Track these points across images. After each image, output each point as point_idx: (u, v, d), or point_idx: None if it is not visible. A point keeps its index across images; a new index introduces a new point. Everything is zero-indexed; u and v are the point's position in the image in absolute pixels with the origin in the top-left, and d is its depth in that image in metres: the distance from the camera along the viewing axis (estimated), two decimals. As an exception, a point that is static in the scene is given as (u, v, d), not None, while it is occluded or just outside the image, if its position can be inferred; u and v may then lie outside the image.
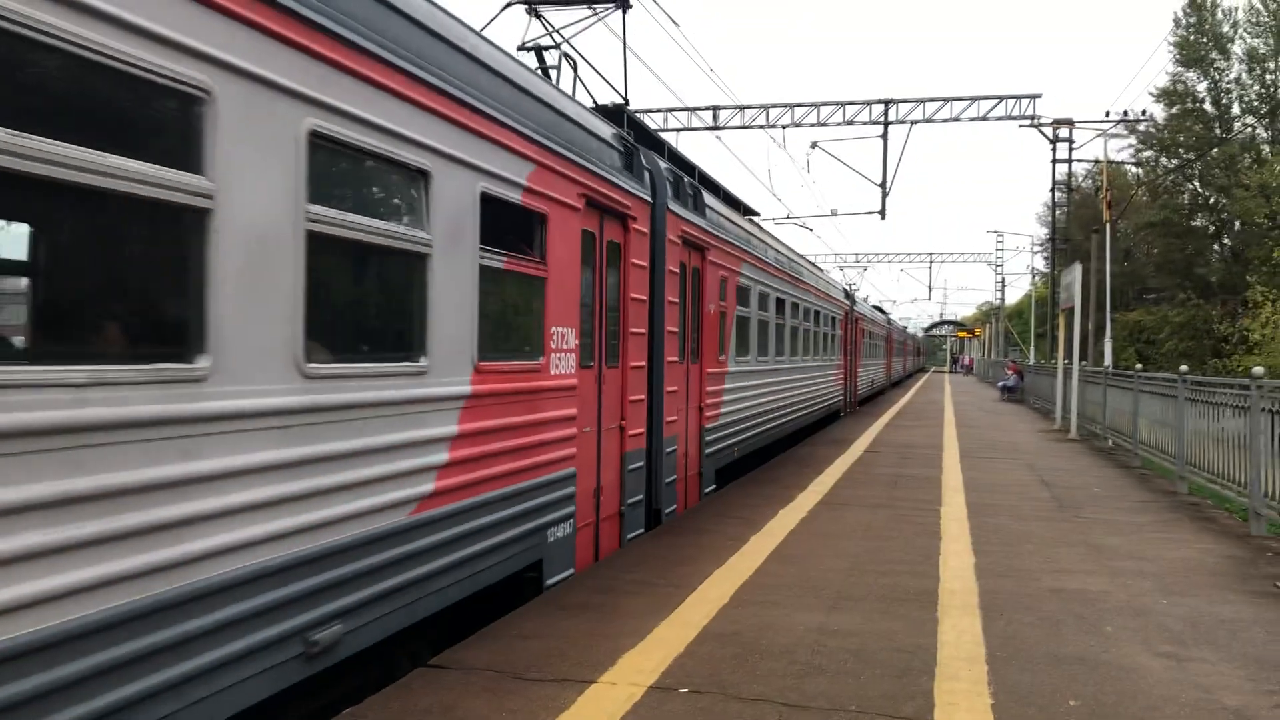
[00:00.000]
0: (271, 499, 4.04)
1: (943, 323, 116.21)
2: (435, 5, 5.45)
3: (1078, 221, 55.96)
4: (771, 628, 6.14)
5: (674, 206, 9.56)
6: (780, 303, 15.71)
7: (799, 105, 30.25)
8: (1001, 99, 29.63)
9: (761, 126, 30.07)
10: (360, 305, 5.13)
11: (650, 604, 6.62)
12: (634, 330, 8.62)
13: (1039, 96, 29.69)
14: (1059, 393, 23.21)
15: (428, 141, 5.12)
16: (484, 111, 5.73)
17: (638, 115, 11.55)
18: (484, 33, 6.18)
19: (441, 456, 5.34)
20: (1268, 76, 52.29)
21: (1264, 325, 37.90)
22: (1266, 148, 52.36)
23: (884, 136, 29.40)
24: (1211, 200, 55.50)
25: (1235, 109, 53.49)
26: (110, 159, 3.24)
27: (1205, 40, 52.51)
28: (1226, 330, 47.72)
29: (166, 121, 3.63)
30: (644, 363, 8.99)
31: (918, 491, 11.97)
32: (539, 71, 8.45)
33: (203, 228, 3.67)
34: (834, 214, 35.94)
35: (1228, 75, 53.03)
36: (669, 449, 9.68)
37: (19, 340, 3.63)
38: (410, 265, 5.10)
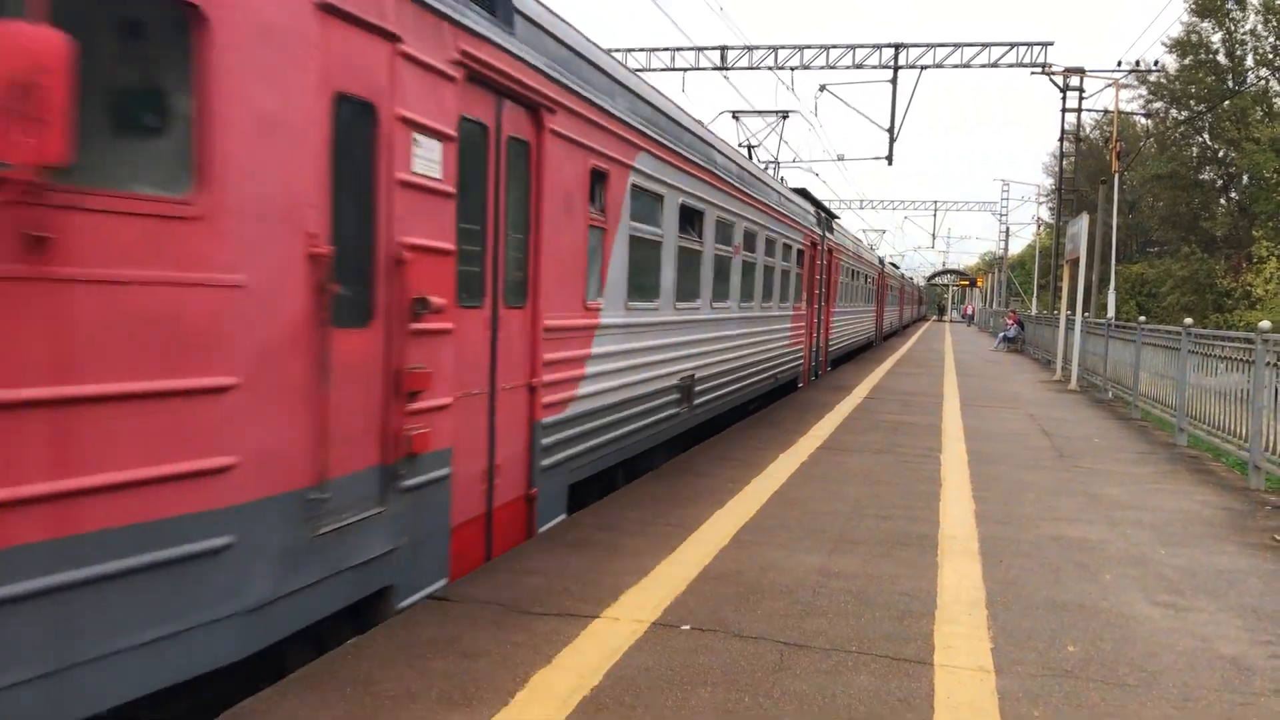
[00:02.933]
0: (619, 353, 8.30)
1: (945, 271, 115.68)
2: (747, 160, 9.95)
3: (1084, 173, 55.66)
4: (773, 568, 6.19)
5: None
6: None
7: (808, 47, 29.91)
8: (1013, 46, 29.30)
9: (770, 68, 29.75)
10: (652, 275, 9.08)
11: (652, 543, 6.66)
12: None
13: (1051, 44, 29.41)
14: (1060, 344, 23.20)
15: (715, 200, 10.80)
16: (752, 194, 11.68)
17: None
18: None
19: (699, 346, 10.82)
20: (1283, 28, 51.58)
21: (1268, 281, 37.83)
22: (1279, 101, 51.82)
23: (893, 81, 29.10)
24: (1220, 154, 55.09)
25: (1249, 61, 52.83)
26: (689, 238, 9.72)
27: (1222, -10, 51.77)
28: (1229, 285, 47.63)
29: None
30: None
31: (918, 438, 12.01)
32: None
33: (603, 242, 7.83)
34: (841, 159, 35.70)
35: (1243, 26, 52.34)
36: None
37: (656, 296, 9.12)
38: (692, 259, 10.07)
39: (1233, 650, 5.14)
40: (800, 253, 17.27)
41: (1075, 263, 21.56)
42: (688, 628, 5.11)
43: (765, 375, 14.81)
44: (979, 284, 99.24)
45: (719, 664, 4.67)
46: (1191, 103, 54.80)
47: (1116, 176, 33.27)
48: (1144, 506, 8.60)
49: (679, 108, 10.13)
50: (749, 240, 13.07)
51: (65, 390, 3.41)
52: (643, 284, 8.75)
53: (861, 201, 60.05)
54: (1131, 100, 59.24)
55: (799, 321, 17.53)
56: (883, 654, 4.84)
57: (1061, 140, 41.77)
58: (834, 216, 24.50)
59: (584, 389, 7.45)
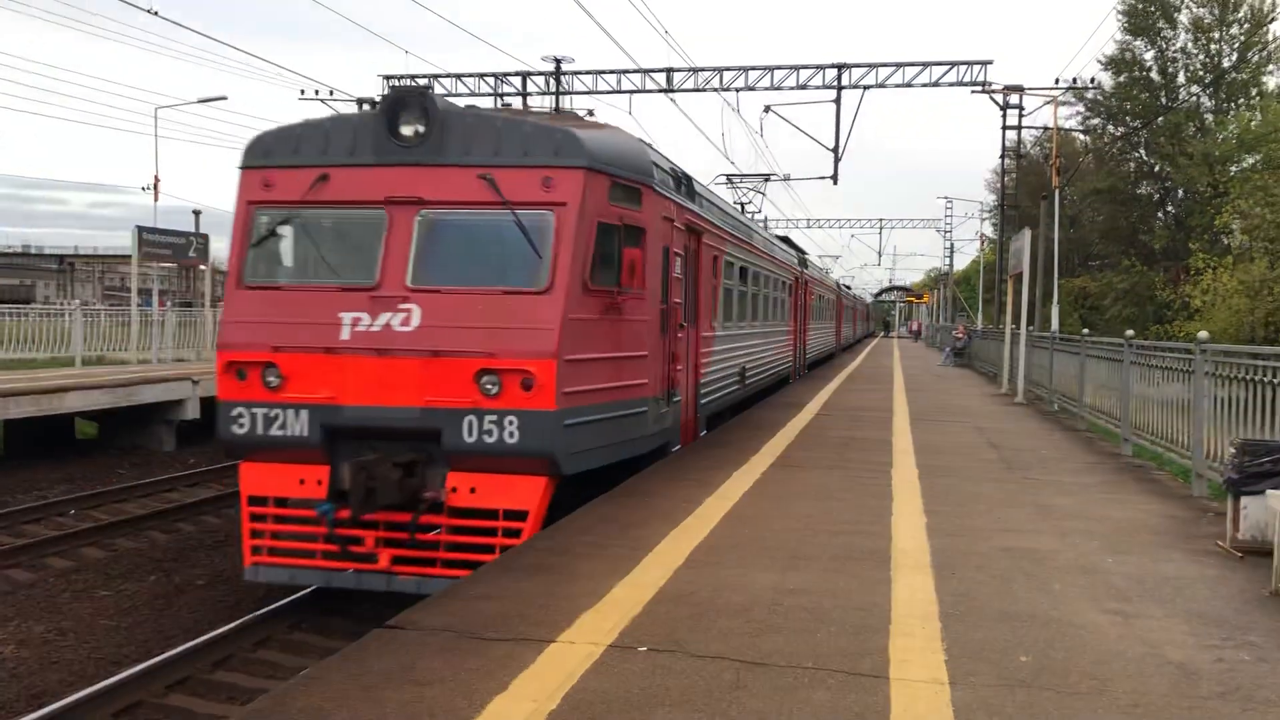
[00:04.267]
0: (719, 350, 14.56)
1: (892, 288, 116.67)
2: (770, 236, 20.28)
3: (1026, 188, 56.56)
4: (727, 587, 6.20)
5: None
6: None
7: (753, 69, 30.21)
8: (953, 65, 29.80)
9: (715, 89, 29.99)
10: (730, 307, 15.31)
11: (606, 566, 6.64)
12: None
13: (990, 63, 29.92)
14: (1006, 357, 23.56)
15: (785, 274, 20.74)
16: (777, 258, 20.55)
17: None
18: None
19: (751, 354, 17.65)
20: (1212, 46, 52.97)
21: (1205, 292, 38.66)
22: (1210, 117, 53.10)
23: (837, 101, 29.46)
24: (1156, 168, 56.22)
25: (1180, 78, 54.16)
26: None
27: (1153, 9, 53.03)
28: (1169, 296, 48.60)
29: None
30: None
31: (869, 453, 12.11)
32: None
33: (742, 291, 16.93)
34: (787, 179, 36.02)
35: (1174, 44, 53.64)
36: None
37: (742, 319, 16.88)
38: (744, 296, 16.63)
39: (1180, 655, 5.22)
40: (790, 286, 24.46)
41: (1019, 277, 21.91)
42: (644, 649, 5.10)
43: (777, 368, 22.26)
44: (925, 300, 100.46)
45: (676, 685, 4.66)
46: (1127, 119, 55.94)
47: (1057, 192, 33.90)
48: (1091, 516, 8.73)
49: (738, 209, 19.51)
50: (767, 281, 20.08)
51: (622, 353, 9.69)
52: (726, 312, 15.40)
53: (809, 220, 60.89)
54: (1070, 117, 60.27)
55: (791, 335, 25.16)
56: (839, 669, 4.86)
57: (1003, 157, 42.55)
58: (805, 253, 32.12)
59: (708, 367, 14.00)
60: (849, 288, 73.11)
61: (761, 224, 26.35)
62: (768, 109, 30.25)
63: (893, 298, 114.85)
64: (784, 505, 8.79)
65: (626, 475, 10.02)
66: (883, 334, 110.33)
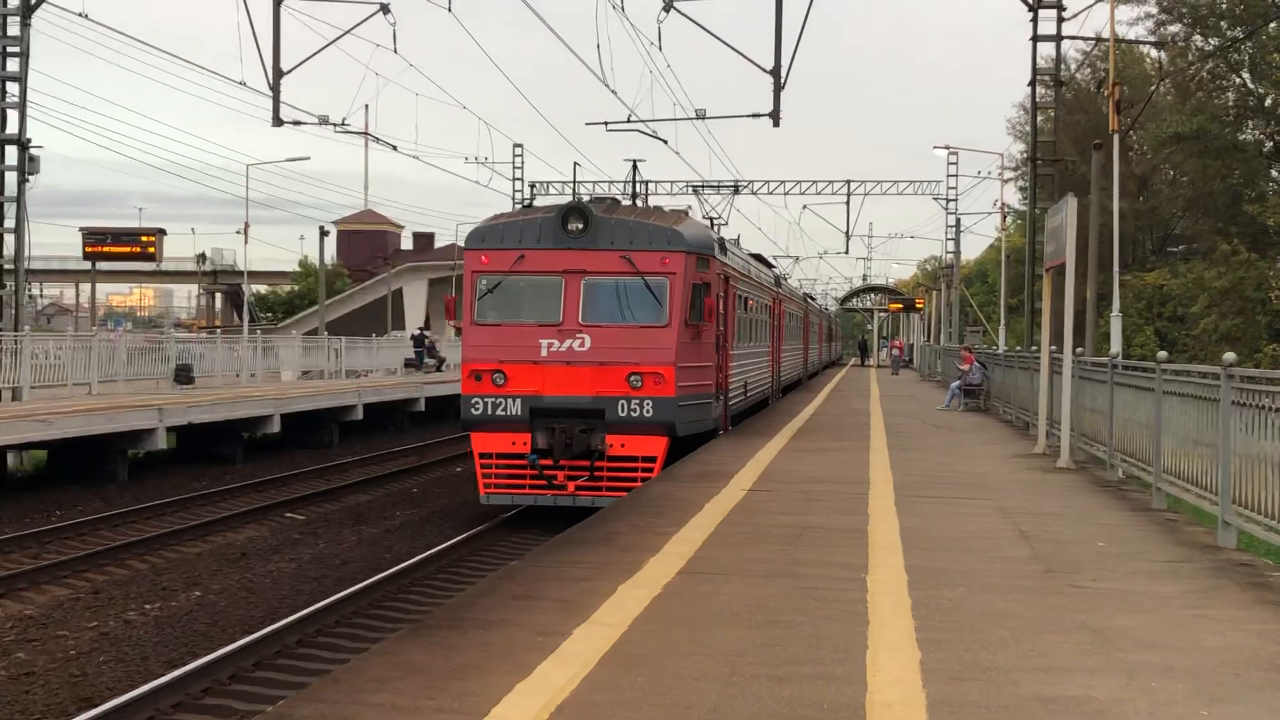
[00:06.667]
0: (736, 366, 30.47)
1: (867, 289, 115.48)
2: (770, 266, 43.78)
3: (1070, 134, 56.83)
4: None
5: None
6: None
7: (644, -58, 30.34)
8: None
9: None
10: (749, 327, 33.23)
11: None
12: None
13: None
14: (1042, 396, 23.81)
15: (766, 297, 38.27)
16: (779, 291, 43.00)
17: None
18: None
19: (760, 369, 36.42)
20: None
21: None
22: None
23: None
24: (1268, 101, 56.42)
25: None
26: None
27: None
28: (1291, 300, 49.12)
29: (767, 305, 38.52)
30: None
31: (832, 551, 12.13)
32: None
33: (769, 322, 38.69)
34: (700, 117, 36.41)
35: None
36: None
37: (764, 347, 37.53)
38: (761, 322, 36.62)
39: None
40: (769, 308, 39.20)
41: (1060, 271, 21.98)
42: None
43: (762, 386, 37.42)
44: (919, 306, 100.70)
45: None
46: (1224, 25, 56.05)
47: (1117, 139, 34.29)
48: (1175, 644, 8.81)
49: (749, 254, 37.60)
50: (757, 307, 35.04)
51: (702, 363, 25.80)
52: (740, 333, 30.69)
53: (736, 184, 60.44)
54: (1137, 21, 60.36)
55: (770, 357, 39.59)
56: None
57: (1033, 84, 42.82)
58: (778, 270, 50.87)
59: (732, 376, 28.71)
60: (810, 297, 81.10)
61: (741, 249, 37.32)
62: (669, 6, 30.50)
63: (869, 304, 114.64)
64: (700, 636, 8.73)
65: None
66: (856, 360, 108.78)
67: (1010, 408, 32.47)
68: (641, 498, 16.32)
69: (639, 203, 31.92)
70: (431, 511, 27.51)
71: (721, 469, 19.44)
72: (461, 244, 34.27)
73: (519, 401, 22.96)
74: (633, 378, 22.63)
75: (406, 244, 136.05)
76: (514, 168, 76.60)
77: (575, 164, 57.83)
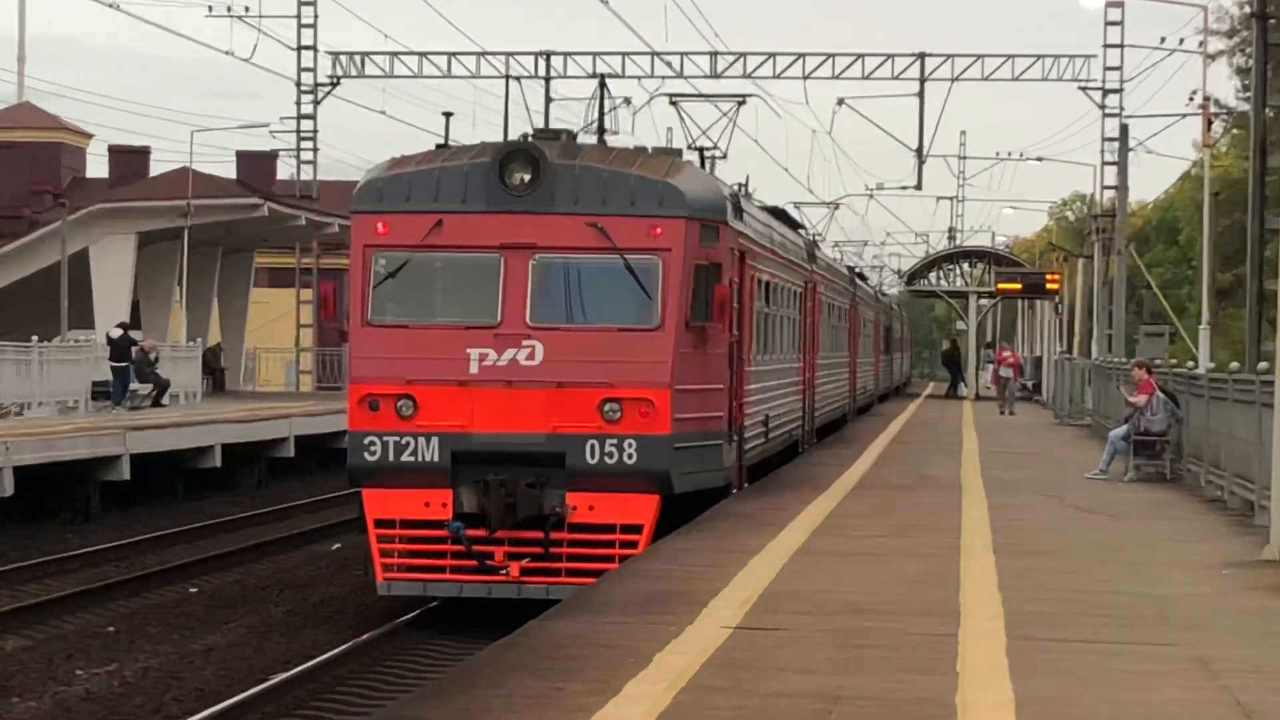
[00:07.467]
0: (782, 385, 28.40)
1: (957, 254, 76.92)
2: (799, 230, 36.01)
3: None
4: None
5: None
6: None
7: None
8: None
9: None
10: (772, 331, 26.48)
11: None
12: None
13: None
14: (1278, 454, 16.72)
15: (796, 280, 30.36)
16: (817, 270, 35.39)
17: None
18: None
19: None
20: None
21: None
22: None
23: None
24: None
25: None
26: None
27: None
28: None
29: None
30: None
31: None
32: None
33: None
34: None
35: None
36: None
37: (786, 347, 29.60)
38: (789, 322, 29.10)
39: None
40: (799, 298, 30.53)
41: None
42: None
43: (788, 423, 30.66)
44: (1053, 284, 67.40)
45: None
46: None
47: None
48: None
49: (762, 208, 28.14)
50: (789, 299, 28.97)
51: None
52: (761, 340, 24.32)
53: (743, 96, 39.92)
54: None
55: (801, 378, 31.51)
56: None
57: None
58: (809, 233, 40.18)
59: (749, 406, 22.61)
60: (860, 275, 56.92)
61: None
62: None
63: (960, 280, 74.04)
64: None
65: None
66: (934, 383, 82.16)
67: (1219, 474, 23.40)
68: (538, 639, 11.70)
69: (609, 139, 24.40)
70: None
71: (688, 587, 14.02)
72: (192, 168, 26.68)
73: (435, 442, 17.01)
74: (608, 407, 16.90)
75: (98, 168, 75.22)
76: (298, 23, 53.93)
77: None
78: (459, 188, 17.42)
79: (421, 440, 16.79)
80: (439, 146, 20.13)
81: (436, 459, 16.74)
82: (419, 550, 17.22)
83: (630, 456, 16.60)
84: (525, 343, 16.76)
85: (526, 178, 17.10)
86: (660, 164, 19.07)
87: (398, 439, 16.82)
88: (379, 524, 16.97)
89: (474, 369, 16.90)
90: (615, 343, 17.13)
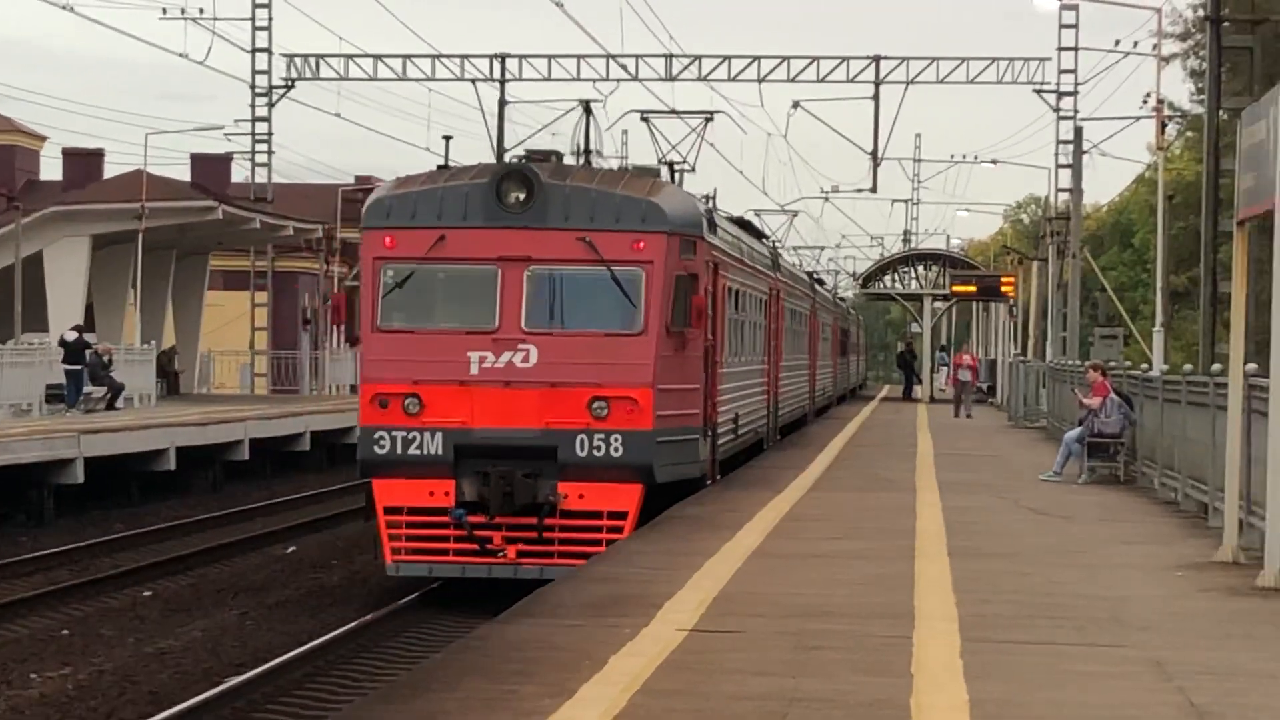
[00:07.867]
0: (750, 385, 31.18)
1: (911, 257, 77.44)
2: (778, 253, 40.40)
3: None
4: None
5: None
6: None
7: None
8: None
9: None
10: (740, 335, 29.29)
11: None
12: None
13: None
14: (1233, 457, 17.11)
15: (761, 287, 33.19)
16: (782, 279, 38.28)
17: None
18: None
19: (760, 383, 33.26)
20: None
21: None
22: None
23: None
24: None
25: None
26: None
27: None
28: None
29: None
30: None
31: None
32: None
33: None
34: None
35: None
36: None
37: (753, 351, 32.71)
38: (755, 327, 31.88)
39: None
40: (764, 304, 33.08)
41: (1266, 220, 15.76)
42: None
43: (755, 422, 33.21)
44: (1007, 287, 68.57)
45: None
46: None
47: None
48: None
49: (729, 219, 29.62)
50: (756, 305, 31.50)
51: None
52: (732, 344, 26.75)
53: (710, 113, 41.52)
54: None
55: (765, 378, 33.95)
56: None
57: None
58: (773, 241, 42.27)
59: (722, 405, 25.09)
60: (818, 280, 57.75)
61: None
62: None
63: (914, 283, 74.37)
64: None
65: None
66: (888, 385, 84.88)
67: (1173, 476, 23.60)
68: (493, 642, 11.76)
69: (594, 160, 26.29)
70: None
71: (643, 590, 14.03)
72: (146, 171, 28.46)
73: (440, 437, 19.18)
74: (596, 404, 19.10)
75: (52, 171, 77.22)
76: (253, 26, 54.35)
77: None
78: (460, 205, 19.58)
79: (427, 435, 18.89)
80: (440, 168, 22.33)
81: (440, 452, 18.88)
82: (425, 535, 19.22)
83: (616, 450, 18.78)
84: (521, 346, 18.87)
85: (521, 196, 19.15)
86: (643, 183, 21.18)
87: (405, 434, 18.95)
88: (388, 511, 19.02)
89: (474, 370, 18.99)
90: (602, 346, 19.34)
